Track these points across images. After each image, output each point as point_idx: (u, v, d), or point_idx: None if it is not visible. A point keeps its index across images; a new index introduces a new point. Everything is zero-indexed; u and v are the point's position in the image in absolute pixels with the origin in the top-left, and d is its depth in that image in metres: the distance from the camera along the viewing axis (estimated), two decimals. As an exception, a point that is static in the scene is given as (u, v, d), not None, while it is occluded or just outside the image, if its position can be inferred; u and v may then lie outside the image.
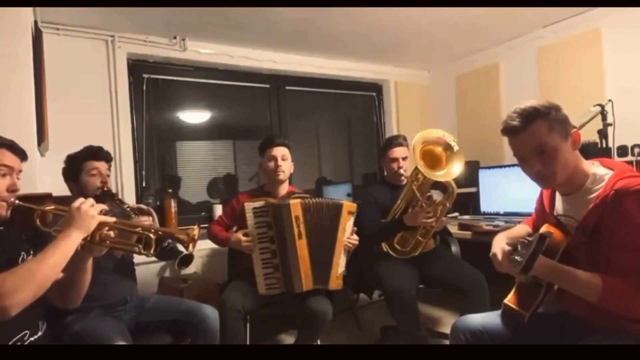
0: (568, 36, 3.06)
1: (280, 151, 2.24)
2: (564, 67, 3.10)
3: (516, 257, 1.15)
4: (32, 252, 1.26)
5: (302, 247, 1.98)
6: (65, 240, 1.13)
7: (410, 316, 2.11)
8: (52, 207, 1.24)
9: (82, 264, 1.26)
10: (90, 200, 1.21)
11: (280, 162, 2.22)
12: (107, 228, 1.24)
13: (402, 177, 2.37)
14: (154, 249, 1.32)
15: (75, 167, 1.82)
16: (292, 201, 2.00)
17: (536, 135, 1.20)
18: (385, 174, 2.58)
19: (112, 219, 1.24)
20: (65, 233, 1.15)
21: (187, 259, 1.93)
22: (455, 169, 2.14)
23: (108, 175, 1.90)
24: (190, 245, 1.37)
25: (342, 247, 2.06)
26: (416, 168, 2.16)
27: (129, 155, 2.90)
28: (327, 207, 2.05)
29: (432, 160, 2.17)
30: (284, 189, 2.30)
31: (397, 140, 2.46)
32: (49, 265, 1.09)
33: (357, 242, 2.12)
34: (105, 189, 1.83)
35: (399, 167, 2.40)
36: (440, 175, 2.14)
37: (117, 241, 1.29)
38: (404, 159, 2.44)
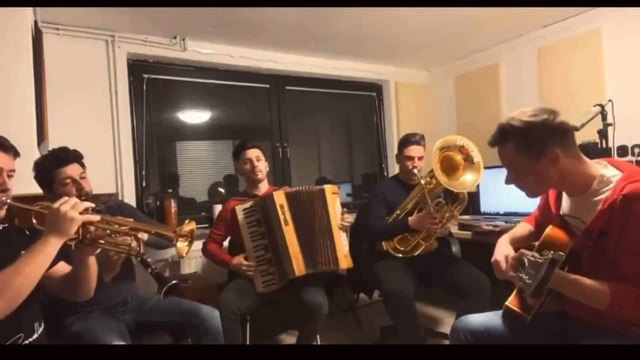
0: (568, 36, 3.05)
1: (254, 153, 2.33)
2: (564, 67, 3.09)
3: (525, 277, 1.12)
4: None
5: (289, 233, 2.09)
6: (43, 247, 1.07)
7: (407, 318, 2.12)
8: (38, 206, 1.17)
9: (83, 261, 1.25)
10: (72, 200, 1.13)
11: (256, 162, 2.31)
12: (94, 228, 1.19)
13: (415, 177, 2.33)
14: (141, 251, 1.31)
15: (46, 178, 1.65)
16: (275, 192, 2.14)
17: (505, 154, 1.27)
18: (399, 171, 2.57)
19: (96, 217, 1.17)
20: (43, 238, 1.08)
21: (174, 288, 1.60)
22: (470, 180, 2.14)
23: (83, 177, 1.70)
24: (179, 242, 1.36)
25: (339, 227, 2.15)
26: (432, 171, 2.15)
27: (129, 155, 2.90)
28: (308, 193, 2.16)
29: (450, 166, 2.17)
30: (264, 187, 2.38)
31: (415, 139, 2.42)
32: (25, 274, 1.03)
33: (352, 220, 2.23)
34: (83, 197, 1.61)
35: (414, 167, 2.37)
36: (454, 184, 2.12)
37: (110, 242, 1.26)
38: (420, 158, 2.41)
